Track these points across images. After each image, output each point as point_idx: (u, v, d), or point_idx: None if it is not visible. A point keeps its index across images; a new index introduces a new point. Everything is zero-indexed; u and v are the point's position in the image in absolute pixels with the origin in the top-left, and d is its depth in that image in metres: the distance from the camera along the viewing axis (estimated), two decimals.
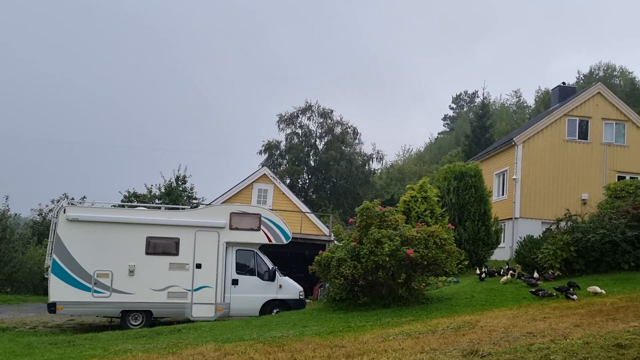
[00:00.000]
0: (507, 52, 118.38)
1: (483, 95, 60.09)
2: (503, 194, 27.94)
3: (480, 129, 48.89)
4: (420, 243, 12.51)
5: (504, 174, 28.17)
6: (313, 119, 45.71)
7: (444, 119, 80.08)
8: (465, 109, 75.07)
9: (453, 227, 14.70)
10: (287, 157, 44.45)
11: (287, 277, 16.28)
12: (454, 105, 78.74)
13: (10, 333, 13.58)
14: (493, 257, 21.68)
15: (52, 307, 13.99)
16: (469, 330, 8.34)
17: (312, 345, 8.19)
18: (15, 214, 26.11)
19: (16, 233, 25.71)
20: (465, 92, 77.05)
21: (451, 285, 16.13)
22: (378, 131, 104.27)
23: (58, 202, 30.33)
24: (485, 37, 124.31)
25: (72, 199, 23.34)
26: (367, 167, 46.05)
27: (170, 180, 30.13)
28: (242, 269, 15.50)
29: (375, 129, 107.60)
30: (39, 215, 31.13)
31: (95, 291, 14.16)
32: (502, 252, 24.49)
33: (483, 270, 15.93)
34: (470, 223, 20.24)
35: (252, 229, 15.48)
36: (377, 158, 47.10)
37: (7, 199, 25.18)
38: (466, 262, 17.57)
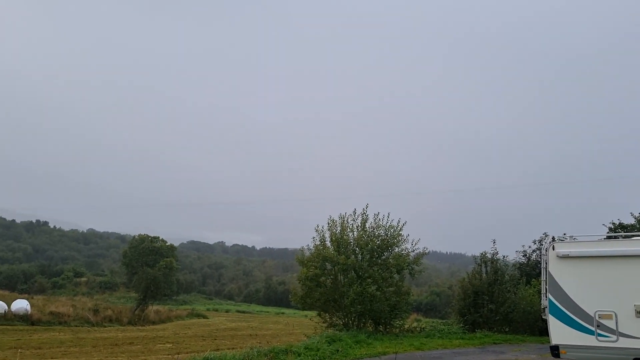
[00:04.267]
0: None
1: None
2: None
3: None
4: None
5: None
6: None
7: None
8: None
9: None
10: None
11: None
12: None
13: None
14: None
15: (555, 351, 13.47)
16: None
17: None
18: (503, 257, 27.44)
19: (506, 275, 26.87)
20: None
21: None
22: None
23: (539, 241, 30.52)
24: None
25: (553, 237, 22.81)
26: None
27: None
28: None
29: None
30: (523, 256, 31.91)
31: (599, 334, 12.90)
32: None
33: None
34: None
35: None
36: None
37: (494, 242, 26.77)
38: None
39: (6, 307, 35.74)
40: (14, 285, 73.90)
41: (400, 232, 23.84)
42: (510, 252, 31.19)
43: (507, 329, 25.40)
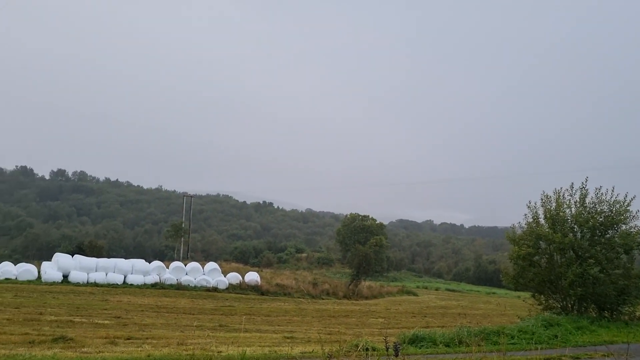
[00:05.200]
0: None
1: None
2: None
3: None
4: None
5: None
6: None
7: None
8: None
9: None
10: None
11: None
12: None
13: None
14: None
15: None
16: None
17: None
18: None
19: None
20: None
21: None
22: None
23: None
24: None
25: None
26: None
27: None
28: None
29: None
30: None
31: None
32: None
33: None
34: None
35: None
36: None
37: None
38: None
39: (240, 278, 40.76)
40: (246, 259, 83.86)
41: (628, 208, 21.15)
42: None
43: None
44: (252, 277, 41.42)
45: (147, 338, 16.25)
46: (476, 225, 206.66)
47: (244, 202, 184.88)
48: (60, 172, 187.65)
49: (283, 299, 37.66)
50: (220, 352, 12.35)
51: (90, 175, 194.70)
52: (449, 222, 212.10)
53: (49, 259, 38.42)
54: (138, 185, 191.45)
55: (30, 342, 13.99)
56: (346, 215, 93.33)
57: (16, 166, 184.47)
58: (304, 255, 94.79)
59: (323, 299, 41.31)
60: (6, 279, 33.51)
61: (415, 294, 53.28)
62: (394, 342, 5.88)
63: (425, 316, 31.38)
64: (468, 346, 13.78)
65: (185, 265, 40.51)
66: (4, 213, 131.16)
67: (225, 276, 40.23)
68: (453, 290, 67.11)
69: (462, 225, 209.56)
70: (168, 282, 37.43)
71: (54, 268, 35.61)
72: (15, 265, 36.18)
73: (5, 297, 25.76)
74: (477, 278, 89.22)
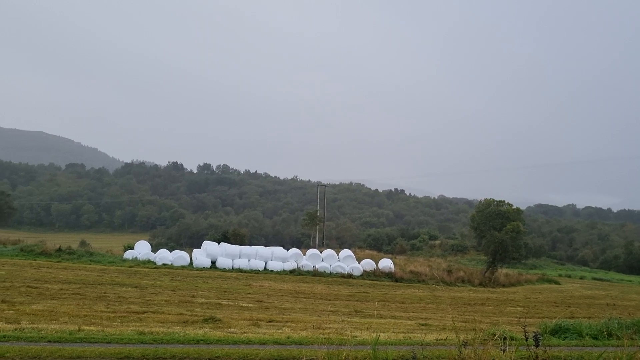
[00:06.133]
0: None
1: None
2: None
3: None
4: None
5: None
6: None
7: None
8: None
9: None
10: None
11: None
12: None
13: None
14: None
15: None
16: None
17: None
18: None
19: None
20: None
21: None
22: None
23: None
24: None
25: None
26: None
27: None
28: None
29: None
30: None
31: None
32: None
33: None
34: None
35: None
36: None
37: None
38: None
39: (374, 265, 41.23)
40: (379, 246, 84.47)
41: None
42: None
43: None
44: (386, 263, 41.69)
45: (286, 321, 17.17)
46: (626, 209, 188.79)
47: (376, 190, 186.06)
48: (206, 166, 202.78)
49: (417, 286, 37.49)
50: (355, 336, 12.75)
51: (232, 168, 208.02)
52: (593, 206, 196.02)
53: (199, 246, 41.83)
54: (275, 176, 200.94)
55: (184, 322, 15.47)
56: (480, 201, 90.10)
57: (169, 162, 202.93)
58: (437, 242, 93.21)
59: (458, 286, 40.46)
60: (164, 264, 37.13)
61: (557, 283, 50.13)
62: (534, 332, 5.72)
63: (569, 306, 29.49)
64: (619, 339, 12.83)
65: (321, 252, 41.85)
66: (160, 205, 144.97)
67: (359, 263, 40.95)
68: (600, 280, 62.11)
69: (609, 209, 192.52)
70: (305, 269, 38.98)
71: (203, 255, 38.74)
72: (170, 252, 39.93)
73: (163, 280, 28.60)
74: (629, 267, 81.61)
